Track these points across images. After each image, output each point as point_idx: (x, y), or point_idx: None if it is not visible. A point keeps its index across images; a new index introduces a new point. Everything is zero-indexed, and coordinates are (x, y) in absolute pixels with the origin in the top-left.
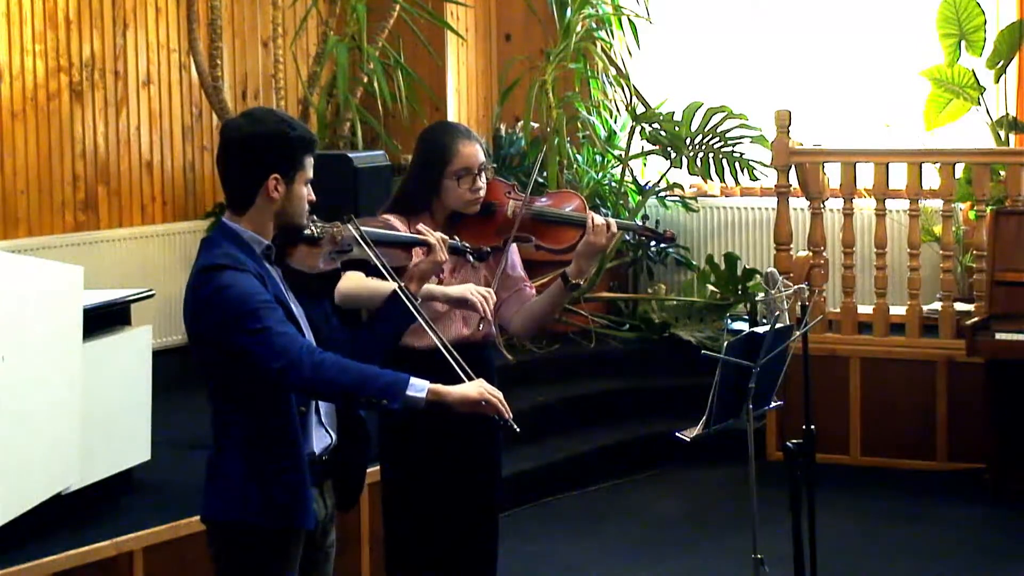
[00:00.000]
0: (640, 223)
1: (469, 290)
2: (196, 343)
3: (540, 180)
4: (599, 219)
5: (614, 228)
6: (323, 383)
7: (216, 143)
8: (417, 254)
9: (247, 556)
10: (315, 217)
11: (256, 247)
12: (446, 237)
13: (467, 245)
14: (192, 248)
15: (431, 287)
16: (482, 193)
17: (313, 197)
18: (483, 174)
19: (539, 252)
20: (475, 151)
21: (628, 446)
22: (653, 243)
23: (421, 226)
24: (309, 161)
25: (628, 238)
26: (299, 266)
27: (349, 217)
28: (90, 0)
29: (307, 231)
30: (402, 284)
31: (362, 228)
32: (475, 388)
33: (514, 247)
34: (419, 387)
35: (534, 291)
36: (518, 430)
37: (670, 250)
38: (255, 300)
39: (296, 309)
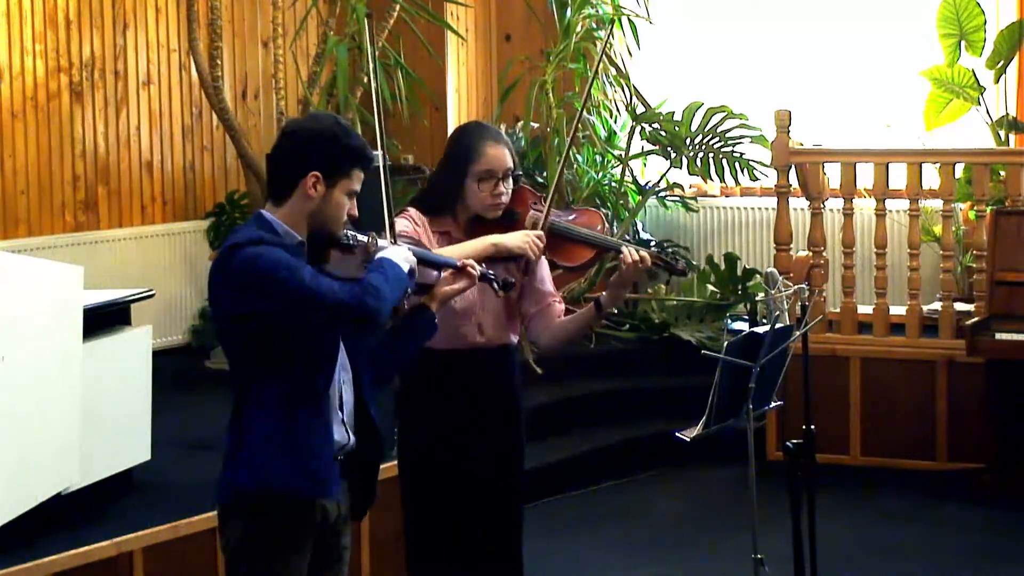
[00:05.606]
0: (656, 251)
1: (523, 239)
2: (227, 319)
3: (541, 180)
4: (634, 254)
5: (648, 262)
6: (384, 301)
7: (216, 143)
8: (446, 276)
9: (270, 525)
10: (354, 230)
11: (289, 240)
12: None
13: (493, 273)
14: (192, 248)
15: (494, 240)
16: (504, 199)
17: (355, 212)
18: (507, 180)
19: (553, 269)
20: (501, 154)
21: (628, 446)
22: (665, 273)
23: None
24: (357, 174)
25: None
26: (332, 269)
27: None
28: (90, 0)
29: (341, 239)
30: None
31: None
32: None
33: (544, 262)
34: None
35: (563, 306)
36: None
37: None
38: (289, 260)
39: None
